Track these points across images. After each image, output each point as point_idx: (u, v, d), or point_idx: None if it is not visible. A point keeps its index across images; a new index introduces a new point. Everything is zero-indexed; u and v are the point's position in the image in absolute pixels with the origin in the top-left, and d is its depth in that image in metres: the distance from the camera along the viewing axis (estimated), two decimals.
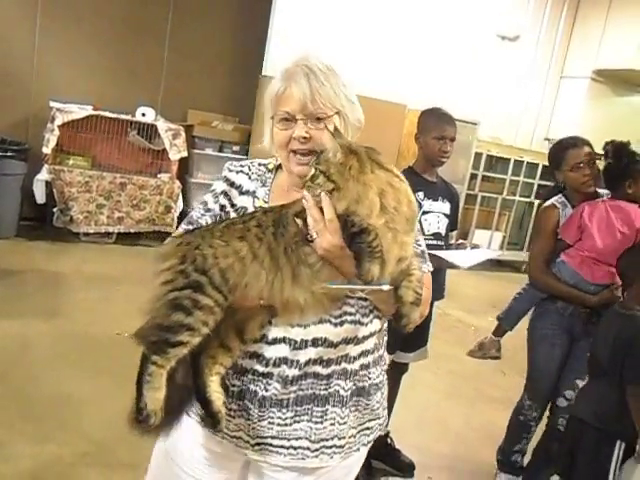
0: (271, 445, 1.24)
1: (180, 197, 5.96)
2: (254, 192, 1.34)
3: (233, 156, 6.22)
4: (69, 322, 3.76)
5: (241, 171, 1.37)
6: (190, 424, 1.28)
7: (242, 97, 6.33)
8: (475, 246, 5.19)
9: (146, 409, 1.09)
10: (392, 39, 6.71)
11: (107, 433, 2.55)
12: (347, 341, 1.24)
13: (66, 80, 5.81)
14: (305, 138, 1.23)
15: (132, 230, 5.83)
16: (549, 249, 2.58)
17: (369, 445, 1.36)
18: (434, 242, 2.47)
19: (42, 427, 2.60)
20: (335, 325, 1.22)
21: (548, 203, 2.64)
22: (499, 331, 3.10)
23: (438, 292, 2.51)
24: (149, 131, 5.90)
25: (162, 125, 5.84)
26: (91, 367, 3.17)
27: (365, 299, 1.23)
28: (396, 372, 2.65)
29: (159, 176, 5.93)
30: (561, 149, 2.60)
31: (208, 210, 1.35)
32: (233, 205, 1.33)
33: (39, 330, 3.57)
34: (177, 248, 1.17)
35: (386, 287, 1.10)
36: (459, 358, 4.01)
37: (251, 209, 1.31)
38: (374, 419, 1.35)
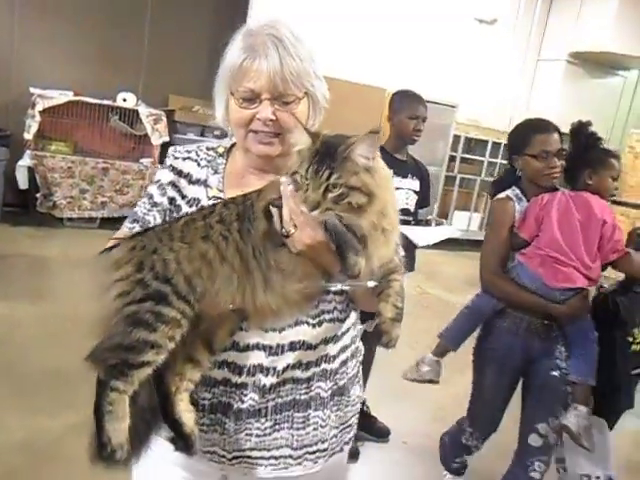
0: (250, 457, 1.14)
1: None
2: (205, 181, 1.19)
3: (215, 140, 6.28)
4: (56, 304, 3.85)
5: (188, 157, 1.22)
6: (158, 443, 1.11)
7: None
8: (439, 223, 5.32)
9: (110, 444, 0.95)
10: (371, 23, 6.78)
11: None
12: (327, 341, 1.15)
13: (46, 66, 5.82)
14: (272, 120, 1.08)
15: (116, 215, 5.89)
16: (504, 247, 2.16)
17: (350, 444, 1.28)
18: (401, 217, 2.55)
19: (32, 400, 2.71)
20: (313, 326, 1.12)
21: (501, 195, 2.23)
22: (440, 350, 2.55)
23: (409, 265, 2.63)
24: (130, 116, 5.95)
25: (143, 110, 5.89)
26: (79, 345, 3.21)
27: (341, 293, 1.15)
28: (370, 340, 2.71)
29: (141, 161, 5.99)
30: (527, 131, 2.21)
31: (155, 205, 1.19)
32: (184, 197, 1.19)
33: (27, 312, 3.66)
34: (131, 253, 1.01)
35: (372, 283, 1.01)
36: (435, 332, 4.16)
37: (204, 200, 1.17)
38: (355, 414, 1.27)
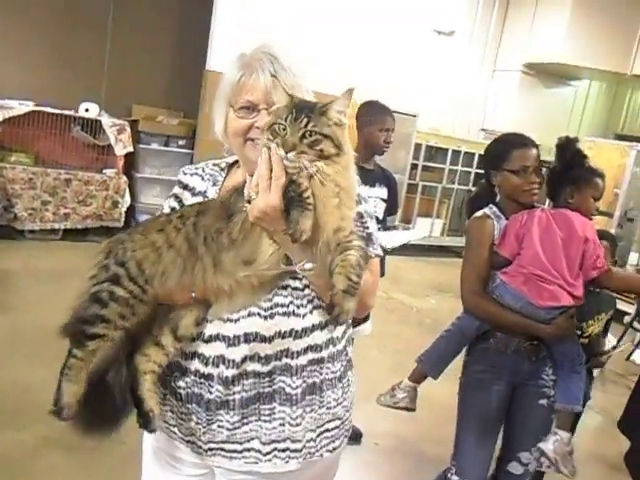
0: (224, 450, 1.20)
1: (127, 192, 5.98)
2: (205, 192, 1.31)
3: (179, 150, 6.29)
4: (21, 316, 3.79)
5: (195, 173, 1.35)
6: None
7: (186, 91, 6.39)
8: (406, 228, 5.44)
9: (60, 402, 1.09)
10: (332, 34, 6.89)
11: None
12: (282, 335, 1.16)
13: (4, 76, 5.72)
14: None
15: (79, 226, 5.82)
16: (485, 267, 2.05)
17: (337, 452, 1.27)
18: None
19: (2, 414, 2.68)
20: (265, 318, 1.15)
21: (479, 214, 2.13)
22: (417, 376, 2.35)
23: (380, 270, 2.70)
24: (93, 126, 5.88)
25: (106, 120, 5.84)
26: (47, 357, 3.18)
27: (302, 288, 1.17)
28: None
29: (105, 171, 5.93)
30: (505, 147, 2.13)
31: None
32: (183, 206, 1.30)
33: None
34: (107, 244, 1.18)
35: (309, 265, 1.06)
36: (403, 337, 4.26)
37: None
38: (332, 419, 1.25)
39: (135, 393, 1.16)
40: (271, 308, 1.16)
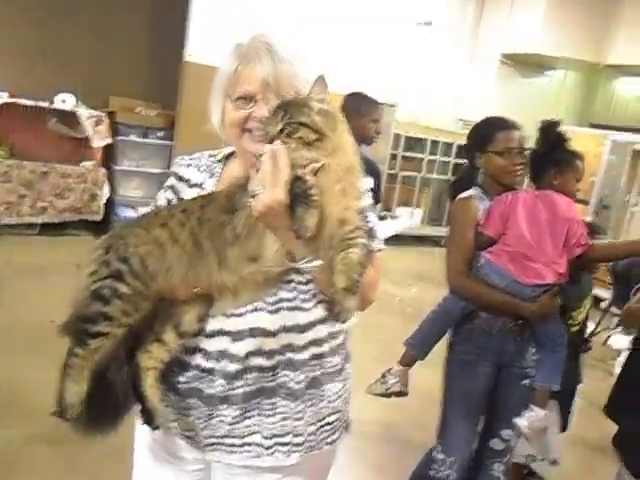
0: (224, 444, 1.20)
1: (106, 184, 5.90)
2: (201, 184, 1.29)
3: (158, 142, 6.22)
4: (2, 313, 3.73)
5: (190, 164, 1.33)
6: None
7: (164, 82, 6.30)
8: (393, 218, 5.47)
9: (63, 402, 1.08)
10: (311, 24, 6.86)
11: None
12: (287, 329, 1.17)
13: None
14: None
15: (57, 220, 5.73)
16: (470, 248, 2.09)
17: (335, 444, 1.28)
18: None
19: None
20: (271, 312, 1.15)
21: (463, 195, 2.17)
22: (407, 359, 2.36)
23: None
24: (70, 118, 5.78)
25: (83, 112, 5.74)
26: (30, 354, 3.19)
27: (306, 282, 1.17)
28: None
29: (83, 164, 5.84)
30: (489, 129, 2.17)
31: (157, 207, 1.31)
32: (180, 199, 1.29)
33: None
34: (106, 240, 1.16)
35: (317, 262, 1.06)
36: (386, 326, 4.30)
37: None
38: (333, 413, 1.26)
39: (138, 390, 1.15)
40: (277, 303, 1.16)
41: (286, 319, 1.16)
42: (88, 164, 5.84)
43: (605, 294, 5.57)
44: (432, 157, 8.26)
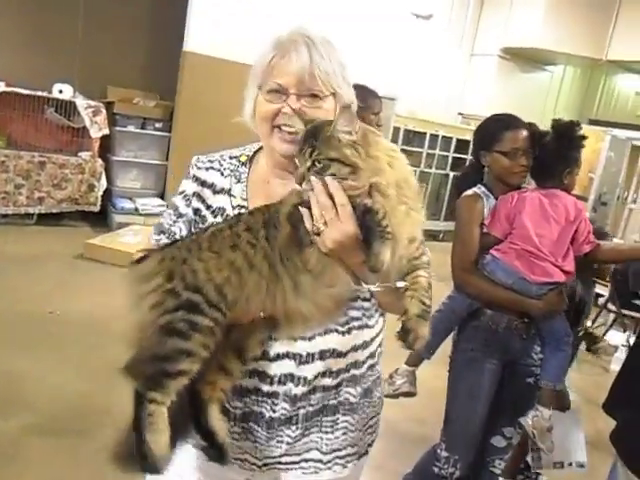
0: (280, 463, 1.15)
1: (103, 175, 5.87)
2: (229, 190, 1.20)
3: (156, 133, 6.18)
4: None
5: (211, 167, 1.23)
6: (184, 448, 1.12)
7: (163, 73, 6.26)
8: None
9: (152, 455, 0.95)
10: (310, 17, 6.81)
11: (51, 404, 2.62)
12: (356, 348, 1.15)
13: None
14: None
15: (54, 210, 5.70)
16: (475, 245, 2.08)
17: (373, 445, 1.28)
18: None
19: None
20: (343, 334, 1.12)
21: (469, 192, 2.16)
22: (414, 359, 2.34)
23: None
24: (67, 108, 5.75)
25: (81, 102, 5.71)
26: (27, 344, 3.18)
27: (369, 299, 1.14)
28: None
29: (80, 154, 5.80)
30: (497, 128, 2.15)
31: (180, 216, 1.22)
32: (209, 207, 1.20)
33: None
34: (161, 265, 1.02)
35: (401, 284, 1.00)
36: (388, 322, 4.29)
37: (229, 210, 1.18)
38: (375, 415, 1.27)
39: (205, 426, 1.05)
40: (347, 323, 1.13)
41: (357, 338, 1.14)
42: (86, 155, 5.81)
43: (603, 291, 5.58)
44: (431, 151, 8.24)
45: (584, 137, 2.16)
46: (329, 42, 1.14)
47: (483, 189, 2.16)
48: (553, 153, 2.13)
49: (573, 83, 9.52)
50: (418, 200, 1.01)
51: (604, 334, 5.27)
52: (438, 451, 2.18)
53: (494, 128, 2.16)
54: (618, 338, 5.04)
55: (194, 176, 1.23)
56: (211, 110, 5.55)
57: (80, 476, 2.28)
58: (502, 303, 2.05)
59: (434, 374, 2.29)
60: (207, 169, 1.23)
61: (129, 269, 1.05)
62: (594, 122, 8.63)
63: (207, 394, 1.05)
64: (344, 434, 1.17)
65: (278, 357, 1.10)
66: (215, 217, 1.18)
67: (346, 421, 1.17)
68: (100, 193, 5.86)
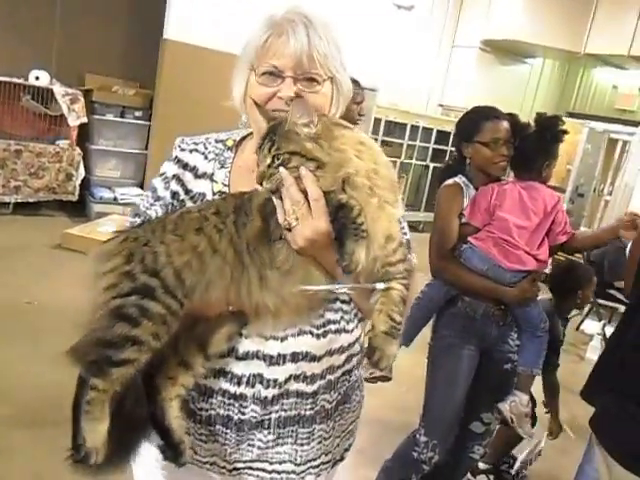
0: (251, 469, 1.09)
1: (81, 164, 5.79)
2: (212, 175, 1.14)
3: (136, 122, 6.11)
4: None
5: (195, 150, 1.17)
6: (148, 449, 1.07)
7: (142, 61, 6.17)
8: None
9: (85, 446, 0.91)
10: (291, 6, 6.78)
11: (29, 395, 2.59)
12: (332, 352, 1.08)
13: None
14: (293, 100, 0.99)
15: (31, 200, 5.61)
16: (453, 233, 2.12)
17: (350, 450, 1.24)
18: None
19: None
20: (318, 337, 1.04)
21: (449, 182, 2.21)
22: None
23: None
24: (45, 96, 5.65)
25: (59, 89, 5.61)
26: (4, 335, 3.15)
27: (348, 302, 1.08)
28: None
29: (57, 143, 5.71)
30: (477, 119, 2.18)
31: (158, 199, 1.14)
32: (188, 191, 1.14)
33: None
34: (122, 245, 0.97)
35: (380, 285, 0.94)
36: None
37: (209, 195, 1.12)
38: (354, 420, 1.22)
39: (161, 423, 0.99)
40: (324, 325, 1.05)
41: (333, 342, 1.07)
42: (63, 143, 5.72)
43: None
44: (412, 142, 8.27)
45: (566, 132, 2.19)
46: (327, 23, 1.08)
47: (464, 179, 2.20)
48: (535, 146, 2.16)
49: (552, 76, 9.61)
50: (394, 193, 0.95)
51: (580, 323, 5.37)
52: (417, 436, 2.21)
53: (475, 119, 2.19)
54: (593, 327, 5.14)
55: (176, 158, 1.17)
56: (191, 99, 5.50)
57: (60, 467, 2.26)
58: (477, 290, 2.09)
59: (414, 362, 2.31)
60: (191, 151, 1.17)
61: (94, 249, 0.99)
62: (572, 115, 8.73)
63: (166, 390, 0.99)
64: (319, 443, 1.11)
65: (247, 356, 1.03)
66: (194, 202, 1.12)
67: (322, 429, 1.11)
68: (78, 182, 5.78)
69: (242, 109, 1.13)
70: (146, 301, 0.91)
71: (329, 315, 1.06)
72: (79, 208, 5.89)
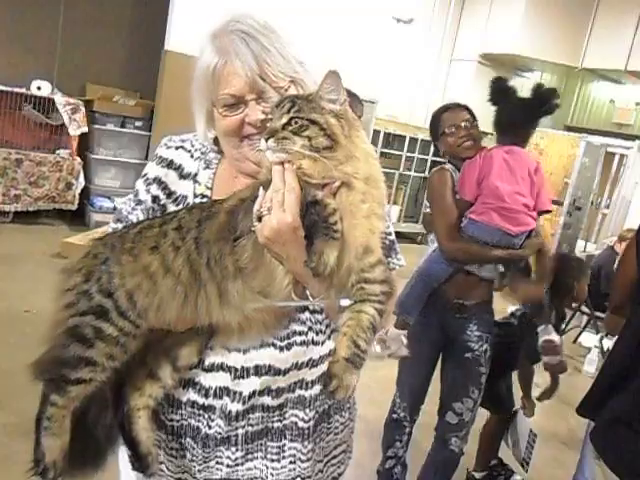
0: None
1: (81, 174, 5.82)
2: (195, 175, 1.09)
3: (136, 132, 6.15)
4: None
5: (182, 147, 1.11)
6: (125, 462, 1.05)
7: (143, 71, 6.23)
8: None
9: (43, 460, 0.91)
10: (290, 19, 6.83)
11: (27, 403, 2.58)
12: (299, 366, 1.01)
13: None
14: (263, 120, 0.97)
15: (31, 209, 5.63)
16: (454, 212, 2.19)
17: (341, 478, 1.16)
18: None
19: None
20: (281, 349, 0.99)
21: (437, 167, 2.33)
22: (401, 324, 2.42)
23: None
24: (46, 105, 5.69)
25: (60, 99, 5.65)
26: (2, 343, 3.15)
27: (319, 311, 1.02)
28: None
29: (58, 152, 5.75)
30: (437, 114, 2.34)
31: (139, 202, 1.09)
32: (170, 194, 1.08)
33: None
34: (83, 261, 0.95)
35: (346, 302, 0.88)
36: None
37: (191, 198, 1.07)
38: (339, 445, 1.14)
39: (129, 434, 0.98)
40: (288, 337, 1.00)
41: (299, 356, 1.00)
42: (64, 152, 5.75)
43: None
44: (410, 154, 8.32)
45: (558, 105, 2.27)
46: (267, 27, 1.01)
47: (450, 165, 2.31)
48: (527, 114, 2.25)
49: None
50: (382, 208, 0.91)
51: (578, 335, 5.37)
52: (394, 397, 2.45)
53: (436, 115, 2.35)
54: (591, 340, 5.14)
55: (160, 157, 1.11)
56: (191, 110, 5.51)
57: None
58: (495, 260, 2.19)
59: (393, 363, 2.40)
60: (177, 148, 1.11)
61: (65, 263, 0.98)
62: (570, 128, 8.79)
63: (135, 400, 0.98)
64: (292, 463, 1.03)
65: (213, 368, 1.00)
66: (177, 205, 1.07)
67: (294, 448, 1.03)
68: (78, 191, 5.81)
69: (208, 142, 1.10)
70: (100, 322, 0.90)
71: (295, 326, 1.00)
72: (79, 217, 5.91)
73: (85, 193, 5.94)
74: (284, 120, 0.86)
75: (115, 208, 5.89)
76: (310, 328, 1.01)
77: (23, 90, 5.58)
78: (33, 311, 3.54)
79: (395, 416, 2.42)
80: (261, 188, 0.88)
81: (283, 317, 0.98)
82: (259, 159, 0.96)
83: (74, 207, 5.80)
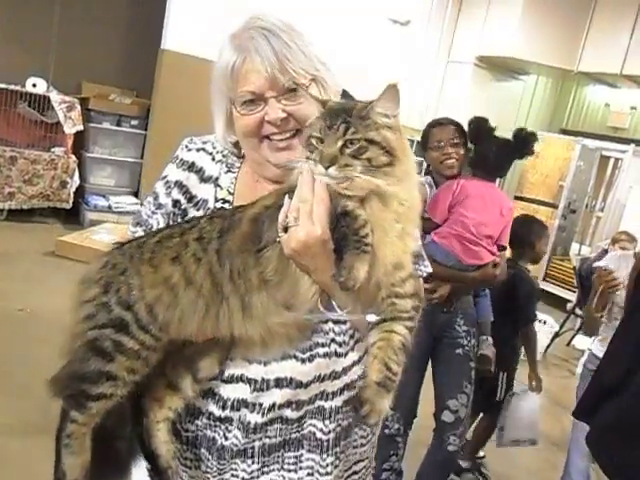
0: None
1: (76, 172, 5.79)
2: (217, 179, 1.06)
3: (132, 130, 6.12)
4: None
5: (203, 149, 1.08)
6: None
7: (140, 70, 6.20)
8: None
9: (65, 478, 0.90)
10: (289, 19, 6.83)
11: (24, 403, 2.56)
12: (321, 379, 0.99)
13: None
14: (284, 119, 0.96)
15: (25, 206, 5.60)
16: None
17: None
18: None
19: None
20: (303, 361, 0.96)
21: None
22: None
23: None
24: (41, 103, 5.65)
25: (55, 97, 5.62)
26: (2, 344, 3.13)
27: (344, 322, 0.98)
28: None
29: (53, 150, 5.72)
30: (427, 128, 2.47)
31: (159, 206, 1.06)
32: (191, 199, 1.05)
33: None
34: (101, 271, 0.93)
35: (372, 317, 0.86)
36: None
37: (212, 203, 1.04)
38: (360, 460, 1.11)
39: (148, 448, 0.96)
40: (310, 349, 0.97)
41: (321, 368, 0.97)
42: (59, 150, 5.72)
43: (570, 296, 5.70)
44: None
45: (534, 151, 2.41)
46: (288, 25, 1.01)
47: (430, 180, 2.45)
48: (507, 156, 2.38)
49: (545, 93, 9.70)
50: (416, 229, 0.88)
51: (572, 338, 5.38)
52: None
53: (426, 130, 2.48)
54: (585, 342, 5.15)
55: (181, 160, 1.07)
56: (188, 109, 5.50)
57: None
58: (444, 278, 2.27)
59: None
60: (198, 150, 1.08)
61: (84, 269, 0.96)
62: (565, 132, 8.80)
63: (154, 411, 0.96)
64: (310, 475, 1.00)
65: (232, 379, 0.98)
66: (198, 210, 1.04)
67: (312, 459, 1.00)
68: (73, 190, 5.78)
69: (227, 145, 1.08)
70: (120, 335, 0.88)
71: (317, 338, 0.97)
72: (73, 216, 5.88)
73: (80, 191, 5.91)
74: (339, 144, 0.82)
75: (110, 207, 5.87)
76: (333, 340, 0.99)
77: (18, 87, 5.55)
78: (27, 310, 3.52)
79: (387, 432, 2.36)
80: (286, 197, 0.85)
81: (306, 329, 0.95)
82: (282, 160, 0.95)
83: (69, 205, 5.77)
